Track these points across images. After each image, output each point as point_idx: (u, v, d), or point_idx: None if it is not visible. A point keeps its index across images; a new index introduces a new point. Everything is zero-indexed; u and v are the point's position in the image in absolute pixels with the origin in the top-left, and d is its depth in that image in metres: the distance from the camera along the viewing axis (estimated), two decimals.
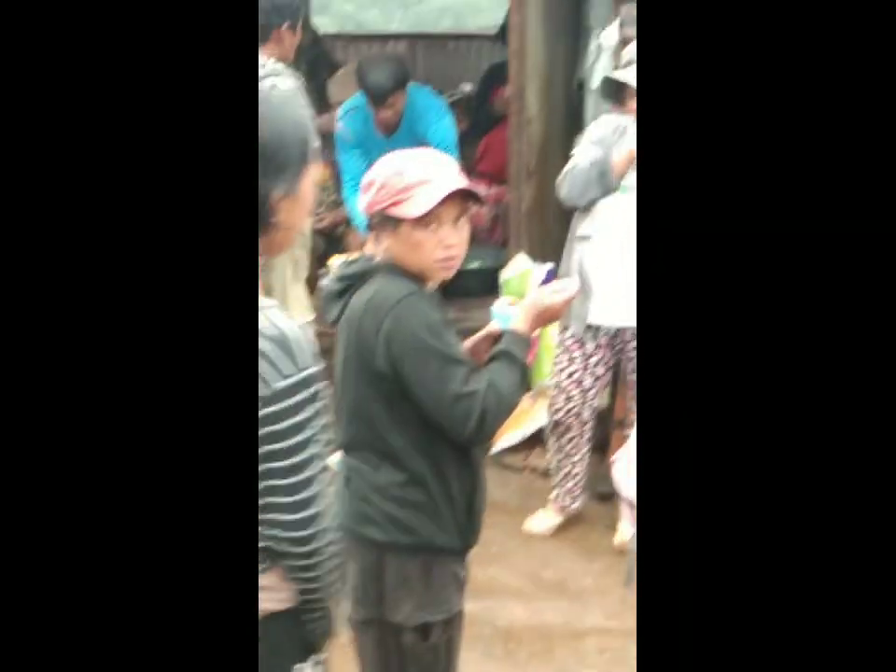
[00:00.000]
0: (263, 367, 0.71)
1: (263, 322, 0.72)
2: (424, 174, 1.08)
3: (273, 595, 0.82)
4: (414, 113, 2.66)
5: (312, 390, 0.76)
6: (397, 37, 5.62)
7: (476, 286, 2.79)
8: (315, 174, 0.82)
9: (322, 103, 3.15)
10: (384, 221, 1.10)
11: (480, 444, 1.21)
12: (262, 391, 0.70)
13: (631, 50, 1.96)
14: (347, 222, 3.02)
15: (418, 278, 1.13)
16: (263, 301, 0.74)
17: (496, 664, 1.78)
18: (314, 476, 0.78)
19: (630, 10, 2.12)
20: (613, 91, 2.01)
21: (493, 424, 1.10)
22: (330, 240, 3.15)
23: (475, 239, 2.01)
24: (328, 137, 2.26)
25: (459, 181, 1.11)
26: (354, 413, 1.14)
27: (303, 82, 0.87)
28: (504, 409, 1.11)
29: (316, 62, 3.55)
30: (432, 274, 1.15)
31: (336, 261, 2.21)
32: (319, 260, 2.62)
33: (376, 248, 1.15)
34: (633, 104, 1.82)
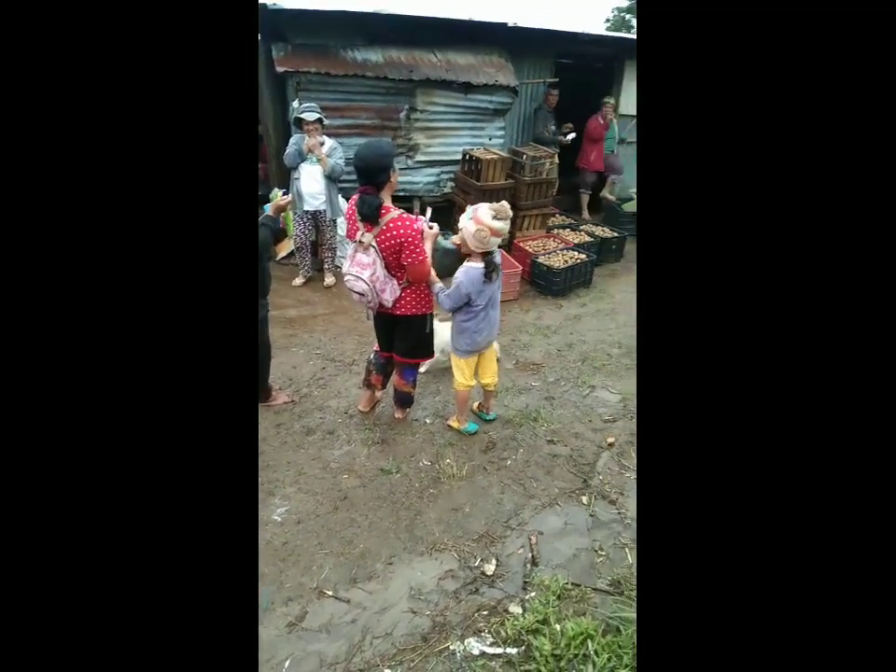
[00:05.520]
0: None
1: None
2: None
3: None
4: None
5: None
6: None
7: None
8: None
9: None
10: None
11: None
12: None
13: (300, 107, 5.38)
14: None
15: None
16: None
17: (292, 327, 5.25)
18: None
19: (303, 98, 5.64)
20: (298, 122, 5.41)
21: (267, 250, 3.56)
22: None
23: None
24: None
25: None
26: None
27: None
28: (269, 244, 3.49)
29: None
30: None
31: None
32: None
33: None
34: (307, 127, 5.22)
